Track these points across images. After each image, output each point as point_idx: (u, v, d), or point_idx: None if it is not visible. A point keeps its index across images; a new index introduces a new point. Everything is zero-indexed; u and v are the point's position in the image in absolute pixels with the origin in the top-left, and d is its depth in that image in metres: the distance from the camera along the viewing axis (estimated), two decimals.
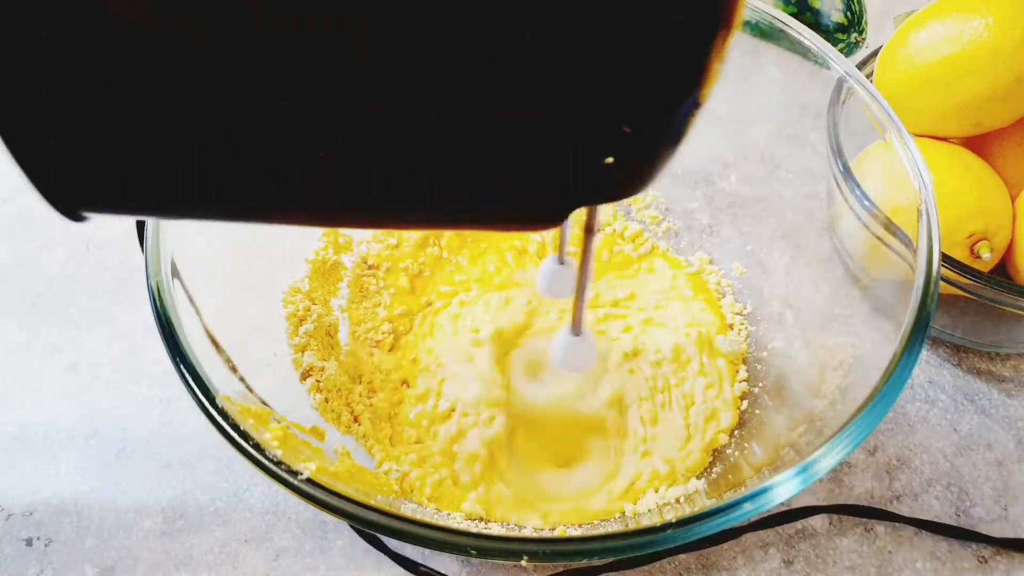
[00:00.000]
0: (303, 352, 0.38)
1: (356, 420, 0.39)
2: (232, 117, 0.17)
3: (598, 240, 0.47)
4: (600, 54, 0.16)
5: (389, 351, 0.43)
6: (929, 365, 0.44)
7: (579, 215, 0.22)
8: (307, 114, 0.17)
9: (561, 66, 0.16)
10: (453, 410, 0.39)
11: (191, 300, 0.32)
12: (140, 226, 0.34)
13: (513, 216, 0.21)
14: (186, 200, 0.19)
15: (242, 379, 0.32)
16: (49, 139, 0.17)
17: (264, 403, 0.32)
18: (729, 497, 0.27)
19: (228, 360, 0.32)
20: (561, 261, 0.32)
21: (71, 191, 0.18)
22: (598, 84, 0.17)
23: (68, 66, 0.16)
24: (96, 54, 0.16)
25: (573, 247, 0.31)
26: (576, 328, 0.28)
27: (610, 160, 0.18)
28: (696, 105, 0.17)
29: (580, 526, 0.35)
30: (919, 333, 0.29)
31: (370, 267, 0.45)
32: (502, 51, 0.16)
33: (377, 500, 0.28)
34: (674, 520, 0.26)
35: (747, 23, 0.41)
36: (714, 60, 0.16)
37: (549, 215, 0.20)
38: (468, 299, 0.44)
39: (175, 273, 0.32)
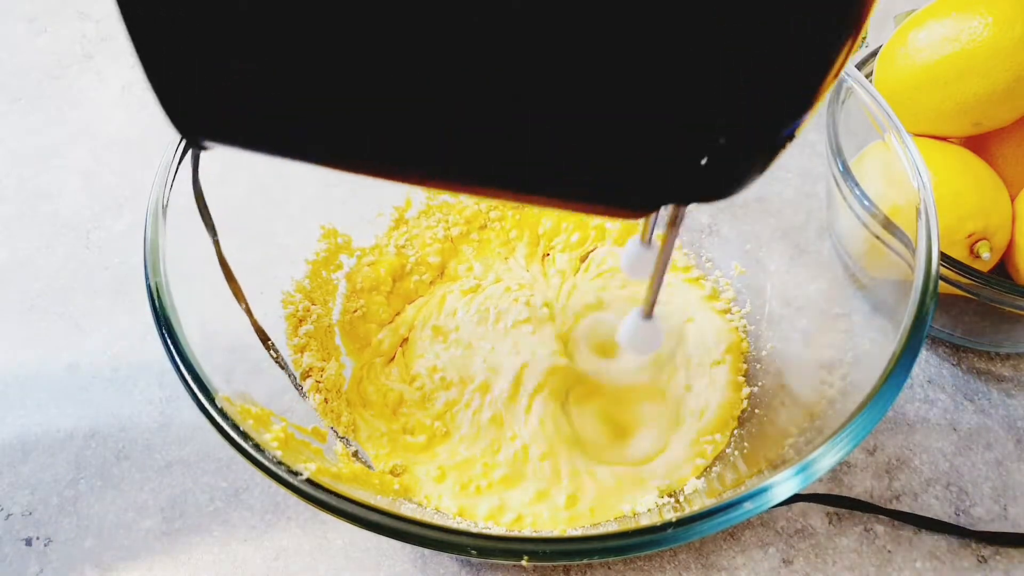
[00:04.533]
0: (303, 352, 0.38)
1: (362, 407, 0.39)
2: (358, 62, 0.18)
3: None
4: (732, 60, 0.17)
5: (390, 361, 0.43)
6: (929, 365, 0.44)
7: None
8: (438, 64, 0.18)
9: (687, 66, 0.17)
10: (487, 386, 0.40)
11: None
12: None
13: (609, 201, 0.21)
14: (299, 139, 0.20)
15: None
16: (181, 66, 0.19)
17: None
18: (729, 497, 0.27)
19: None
20: (647, 243, 0.32)
21: (195, 117, 0.20)
22: (715, 91, 0.18)
23: None
24: None
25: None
26: (648, 311, 0.29)
27: (704, 162, 0.19)
28: (794, 134, 0.18)
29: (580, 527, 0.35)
30: (918, 332, 0.29)
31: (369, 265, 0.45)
32: (641, 39, 0.17)
33: (377, 500, 0.28)
34: (674, 520, 0.26)
35: None
36: (830, 81, 0.17)
37: (640, 205, 0.21)
38: (468, 287, 0.44)
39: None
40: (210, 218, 0.33)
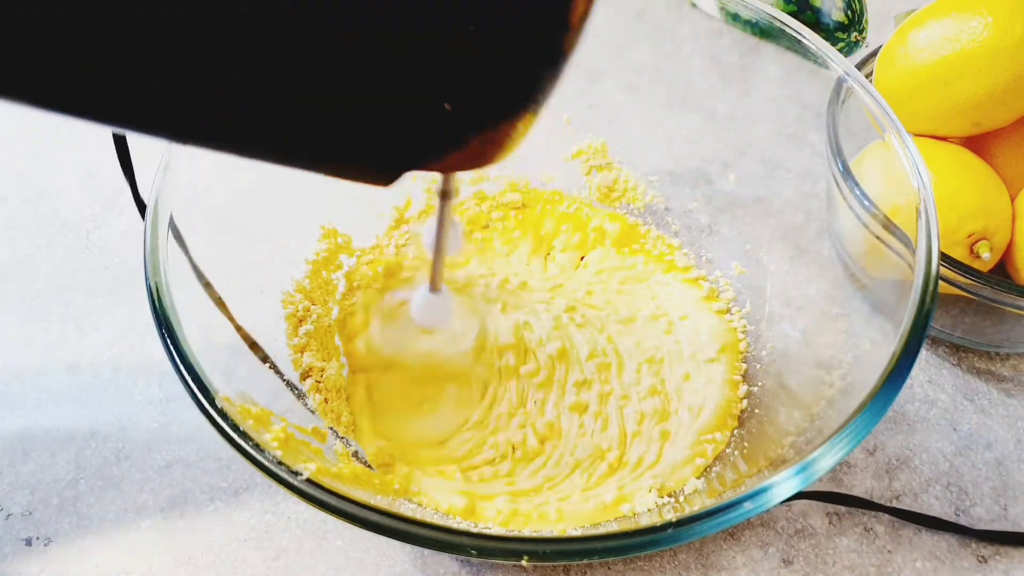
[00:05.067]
0: (302, 352, 0.38)
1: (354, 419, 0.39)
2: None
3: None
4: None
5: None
6: (929, 365, 0.44)
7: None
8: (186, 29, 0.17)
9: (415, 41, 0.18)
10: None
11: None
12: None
13: (353, 168, 0.22)
14: (37, 88, 0.19)
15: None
16: None
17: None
18: (729, 497, 0.27)
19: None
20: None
21: None
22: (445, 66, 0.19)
23: None
24: None
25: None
26: (435, 285, 0.30)
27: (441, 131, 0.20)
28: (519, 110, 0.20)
29: (581, 526, 0.35)
30: (918, 333, 0.29)
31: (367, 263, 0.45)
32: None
33: (377, 500, 0.28)
34: (674, 520, 0.26)
35: (747, 22, 0.41)
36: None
37: (385, 172, 0.22)
38: None
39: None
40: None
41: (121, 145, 0.36)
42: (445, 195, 0.26)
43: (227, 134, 0.21)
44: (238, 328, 0.35)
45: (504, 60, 0.19)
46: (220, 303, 0.35)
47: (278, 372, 0.37)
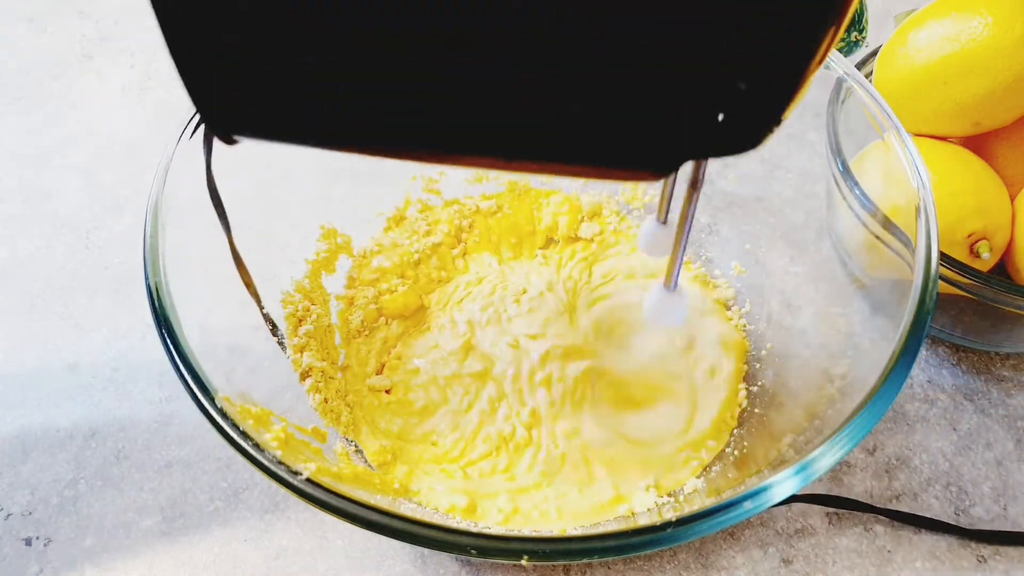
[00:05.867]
0: (302, 352, 0.38)
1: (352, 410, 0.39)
2: (368, 49, 0.19)
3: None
4: (736, 9, 0.17)
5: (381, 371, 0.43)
6: (928, 364, 0.44)
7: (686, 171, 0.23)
8: (443, 46, 0.19)
9: (695, 17, 0.18)
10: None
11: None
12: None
13: (628, 162, 0.22)
14: (327, 130, 0.21)
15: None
16: (212, 66, 0.20)
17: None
18: (728, 496, 0.27)
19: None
20: (663, 221, 0.32)
21: (228, 113, 0.21)
22: (727, 38, 0.18)
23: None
24: None
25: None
26: (670, 282, 0.28)
27: (721, 116, 0.19)
28: (806, 69, 0.19)
29: (580, 526, 0.35)
30: (918, 332, 0.29)
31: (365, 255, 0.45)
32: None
33: (377, 500, 0.28)
34: (674, 519, 0.26)
35: None
36: (842, 23, 0.18)
37: (660, 164, 0.21)
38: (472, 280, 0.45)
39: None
40: (224, 211, 0.34)
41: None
42: (695, 185, 0.25)
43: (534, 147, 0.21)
44: (265, 314, 0.36)
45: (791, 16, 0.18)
46: (250, 284, 0.35)
47: (282, 366, 0.37)
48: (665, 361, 0.41)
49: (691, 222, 0.26)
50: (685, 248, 0.27)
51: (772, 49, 0.18)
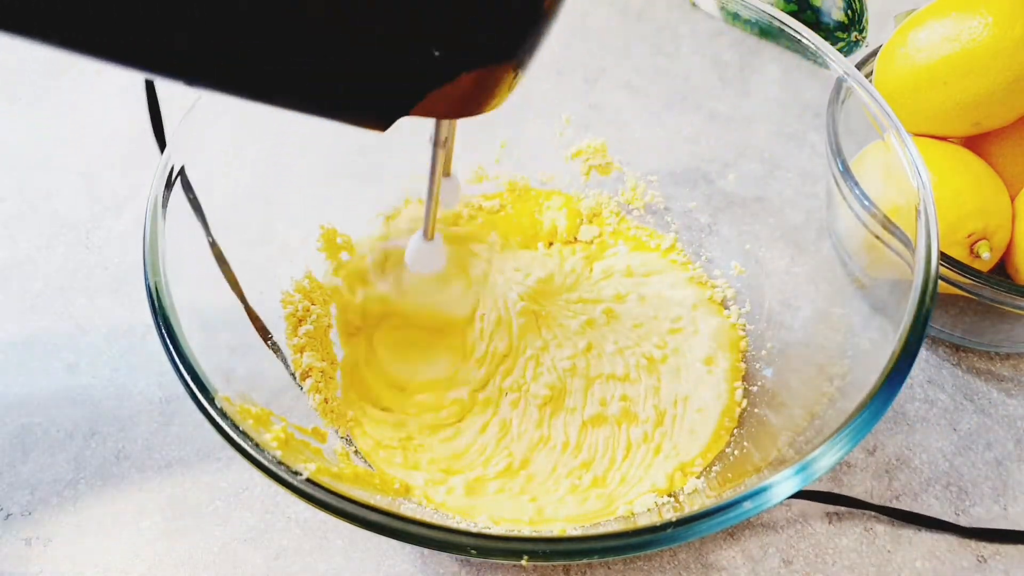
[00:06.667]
0: (302, 352, 0.38)
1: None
2: None
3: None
4: None
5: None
6: (928, 364, 0.44)
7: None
8: None
9: None
10: None
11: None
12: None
13: (352, 110, 0.24)
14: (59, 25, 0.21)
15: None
16: None
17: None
18: (728, 496, 0.27)
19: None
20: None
21: None
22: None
23: None
24: None
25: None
26: (428, 232, 0.32)
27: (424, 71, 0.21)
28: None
29: (580, 526, 0.35)
30: (918, 332, 0.29)
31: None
32: None
33: (377, 500, 0.28)
34: (674, 520, 0.26)
35: (747, 22, 0.41)
36: None
37: (382, 116, 0.23)
38: None
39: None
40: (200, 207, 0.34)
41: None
42: (437, 143, 0.28)
43: (232, 75, 0.22)
44: (251, 311, 0.36)
45: (489, 7, 0.21)
46: (234, 284, 0.35)
47: (282, 367, 0.37)
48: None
49: (437, 178, 0.29)
50: (434, 201, 0.30)
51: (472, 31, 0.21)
